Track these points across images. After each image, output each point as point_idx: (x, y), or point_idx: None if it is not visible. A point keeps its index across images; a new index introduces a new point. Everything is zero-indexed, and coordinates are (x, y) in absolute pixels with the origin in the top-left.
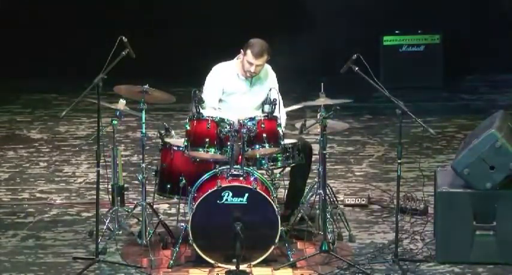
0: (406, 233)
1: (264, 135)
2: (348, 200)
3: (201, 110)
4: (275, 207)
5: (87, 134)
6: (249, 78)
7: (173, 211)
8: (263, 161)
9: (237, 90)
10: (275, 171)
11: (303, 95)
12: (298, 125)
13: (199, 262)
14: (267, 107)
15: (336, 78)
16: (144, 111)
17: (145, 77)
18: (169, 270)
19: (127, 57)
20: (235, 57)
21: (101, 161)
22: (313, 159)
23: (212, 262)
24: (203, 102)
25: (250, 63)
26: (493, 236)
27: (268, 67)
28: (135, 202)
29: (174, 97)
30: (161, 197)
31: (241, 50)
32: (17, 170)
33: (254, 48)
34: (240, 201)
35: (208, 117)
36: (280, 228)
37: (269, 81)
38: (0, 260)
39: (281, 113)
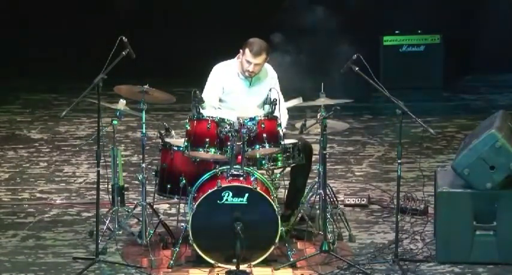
0: (406, 233)
1: (264, 135)
2: (348, 200)
3: (201, 110)
4: (275, 207)
5: (87, 134)
6: (248, 77)
7: (173, 211)
8: (263, 161)
9: (237, 89)
10: (275, 171)
11: (303, 95)
12: (298, 125)
13: (199, 262)
14: (267, 107)
15: (336, 78)
16: (144, 111)
17: (145, 77)
18: (170, 270)
19: (127, 57)
20: (236, 57)
21: (101, 161)
22: (313, 159)
23: (212, 262)
24: (203, 102)
25: (249, 62)
26: (493, 236)
27: (269, 67)
28: (135, 202)
29: (174, 97)
30: (161, 197)
31: (240, 50)
32: (17, 170)
33: (252, 47)
34: (240, 201)
35: (208, 117)
36: (280, 228)
37: (270, 81)
38: (0, 260)
39: (282, 112)
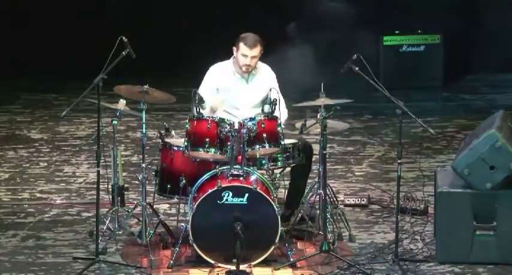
0: (406, 233)
1: (264, 135)
2: (348, 200)
3: (201, 110)
4: (275, 207)
5: (87, 134)
6: (245, 74)
7: (173, 211)
8: (263, 161)
9: (234, 87)
10: (275, 171)
11: (303, 95)
12: (298, 125)
13: (199, 262)
14: (267, 107)
15: (336, 78)
16: (144, 112)
17: (145, 77)
18: (170, 270)
19: (127, 57)
20: (232, 57)
21: (101, 161)
22: (313, 159)
23: (212, 262)
24: (203, 102)
25: (245, 56)
26: (493, 236)
27: (267, 67)
28: (135, 202)
29: (174, 97)
30: (161, 197)
31: (234, 47)
32: (17, 170)
33: (246, 40)
34: (240, 201)
35: (208, 117)
36: (280, 228)
37: (267, 80)
38: (0, 260)
39: (282, 112)
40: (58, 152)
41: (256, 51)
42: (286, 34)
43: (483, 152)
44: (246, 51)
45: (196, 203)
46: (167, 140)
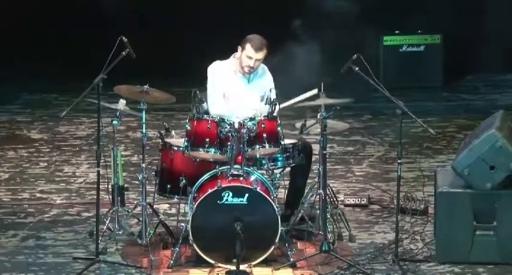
0: (406, 233)
1: (264, 135)
2: (348, 200)
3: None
4: (275, 207)
5: (87, 134)
6: (246, 74)
7: (173, 211)
8: (263, 161)
9: (235, 86)
10: (275, 171)
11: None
12: (298, 125)
13: (199, 262)
14: (267, 107)
15: (336, 78)
16: (144, 112)
17: (145, 77)
18: (170, 270)
19: (127, 57)
20: (231, 56)
21: (101, 161)
22: (313, 159)
23: (212, 262)
24: (203, 102)
25: (250, 57)
26: (493, 236)
27: (265, 67)
28: (135, 202)
29: (174, 97)
30: (161, 197)
31: (239, 47)
32: (17, 170)
33: (254, 42)
34: (240, 201)
35: (209, 117)
36: (280, 228)
37: (266, 80)
38: (0, 260)
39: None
40: (58, 152)
41: (262, 54)
42: (285, 34)
43: (483, 152)
44: (252, 54)
45: (196, 203)
46: (167, 140)
